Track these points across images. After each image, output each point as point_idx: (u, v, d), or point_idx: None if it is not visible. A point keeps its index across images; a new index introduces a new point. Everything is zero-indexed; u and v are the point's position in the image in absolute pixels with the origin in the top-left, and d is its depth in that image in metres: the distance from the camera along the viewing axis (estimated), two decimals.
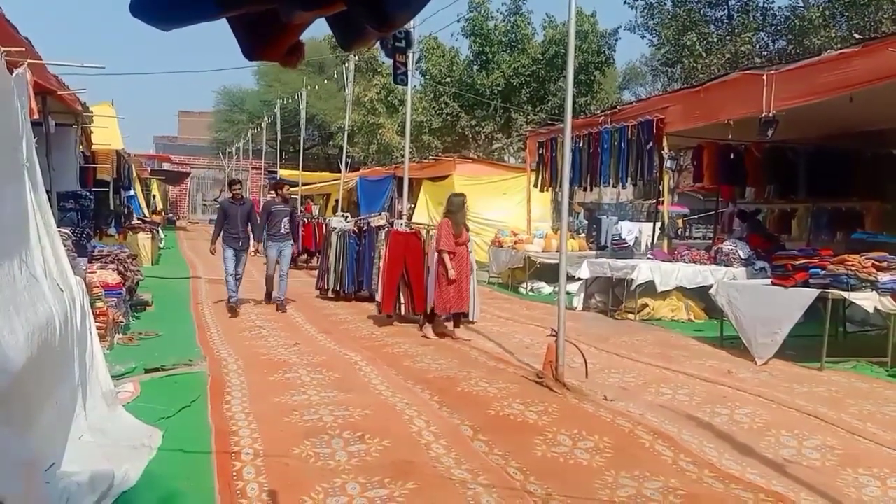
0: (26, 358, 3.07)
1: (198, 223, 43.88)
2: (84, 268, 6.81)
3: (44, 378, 3.41)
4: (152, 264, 16.24)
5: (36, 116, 5.73)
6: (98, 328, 5.44)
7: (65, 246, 4.84)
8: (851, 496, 3.77)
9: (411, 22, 9.58)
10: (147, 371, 6.10)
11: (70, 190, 9.94)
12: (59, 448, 3.59)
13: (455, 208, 8.29)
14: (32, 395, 3.22)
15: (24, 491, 2.81)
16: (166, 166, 38.13)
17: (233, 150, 40.76)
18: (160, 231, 20.13)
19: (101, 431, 4.15)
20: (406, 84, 10.17)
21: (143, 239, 16.29)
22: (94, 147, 12.93)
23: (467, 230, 8.51)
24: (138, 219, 18.83)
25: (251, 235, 10.00)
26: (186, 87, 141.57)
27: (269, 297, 10.61)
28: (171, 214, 39.01)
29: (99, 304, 6.71)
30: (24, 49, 5.68)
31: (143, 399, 5.25)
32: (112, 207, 15.02)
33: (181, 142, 56.20)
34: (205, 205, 52.31)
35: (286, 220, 10.03)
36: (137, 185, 23.69)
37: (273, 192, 10.63)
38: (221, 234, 9.79)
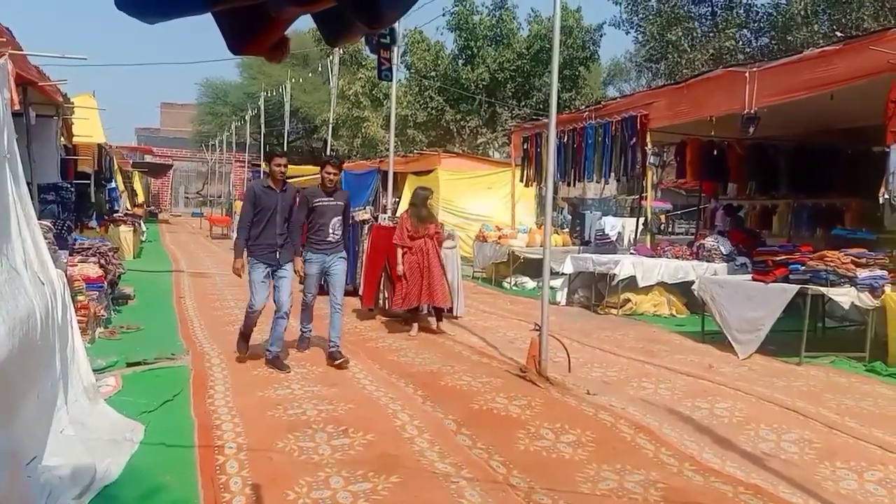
0: (7, 352, 3.05)
1: (180, 216, 43.58)
2: (65, 261, 6.75)
3: (25, 372, 3.39)
4: (134, 257, 16.12)
5: (17, 108, 5.66)
6: (79, 322, 5.41)
7: (45, 239, 4.79)
8: (829, 489, 3.83)
9: None
10: (129, 365, 6.06)
11: (51, 182, 9.82)
12: (40, 442, 3.57)
13: (418, 201, 8.18)
14: (14, 389, 3.19)
15: (6, 484, 2.79)
16: (148, 158, 37.73)
17: (216, 143, 40.45)
18: (142, 224, 19.96)
19: (82, 425, 4.13)
20: (391, 80, 10.06)
21: (125, 232, 16.16)
22: (75, 139, 12.78)
23: (435, 224, 8.28)
24: (120, 211, 18.64)
25: (291, 243, 6.28)
26: (169, 78, 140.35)
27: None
28: (153, 207, 38.64)
29: (80, 298, 6.66)
30: (4, 39, 5.62)
31: (125, 393, 5.23)
32: (94, 200, 14.85)
33: (163, 134, 55.68)
34: (187, 197, 51.91)
35: (337, 220, 6.49)
36: (119, 178, 23.44)
37: (328, 168, 6.63)
38: (247, 241, 6.15)
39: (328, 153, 18.46)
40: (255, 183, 6.39)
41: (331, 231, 6.51)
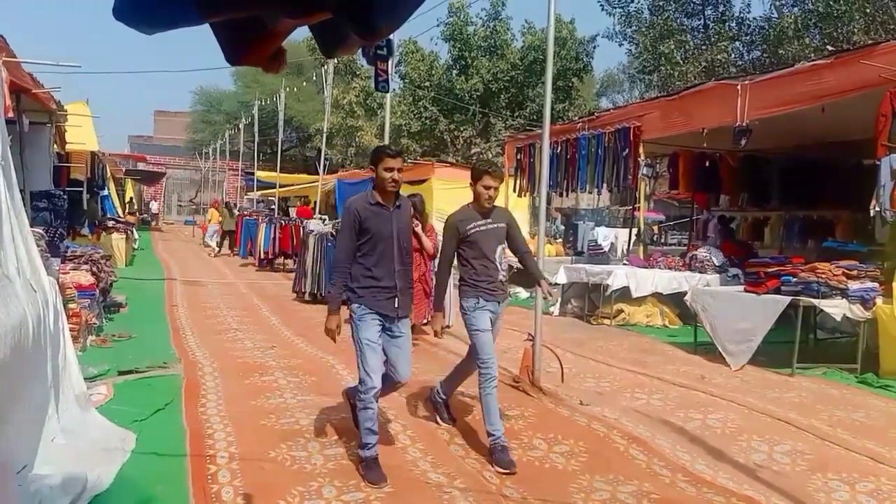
0: None
1: (173, 224, 43.46)
2: (57, 268, 6.73)
3: (16, 379, 3.37)
4: (126, 265, 16.07)
5: (10, 115, 5.66)
6: (71, 329, 5.39)
7: (38, 246, 4.78)
8: (821, 500, 3.84)
9: None
10: (121, 373, 6.04)
11: (43, 189, 9.79)
12: (31, 450, 3.55)
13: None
14: (4, 397, 3.18)
15: None
16: (141, 166, 37.68)
17: (209, 151, 40.42)
18: (134, 232, 19.90)
19: (73, 434, 4.11)
20: (388, 91, 10.05)
21: (117, 239, 16.11)
22: (68, 146, 12.76)
23: (423, 235, 7.65)
24: (112, 219, 18.58)
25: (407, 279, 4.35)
26: (163, 86, 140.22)
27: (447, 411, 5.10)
28: (145, 215, 38.54)
29: (72, 306, 6.64)
30: None
31: (117, 401, 5.20)
32: (87, 207, 14.80)
33: (157, 142, 55.59)
34: (180, 205, 51.78)
35: (502, 249, 4.67)
36: (112, 185, 23.38)
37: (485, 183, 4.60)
38: (349, 280, 4.24)
39: (322, 162, 18.50)
40: (356, 200, 4.23)
41: (499, 265, 4.57)
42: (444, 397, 5.00)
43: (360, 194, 4.30)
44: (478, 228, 4.55)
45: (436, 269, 4.76)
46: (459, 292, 4.61)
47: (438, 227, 13.81)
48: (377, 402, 4.13)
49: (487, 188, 4.53)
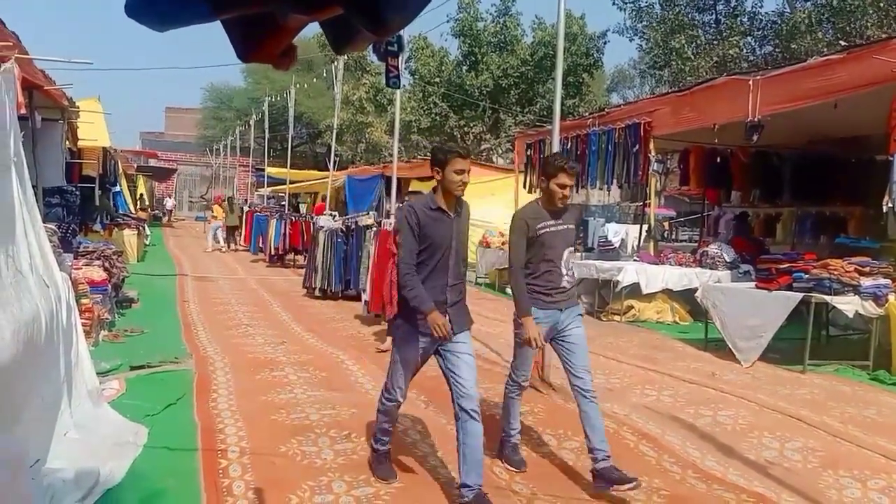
0: (11, 354, 3.06)
1: (184, 220, 43.64)
2: (69, 264, 6.77)
3: (29, 374, 3.40)
4: (138, 261, 16.16)
5: (23, 111, 5.69)
6: (83, 325, 5.43)
7: (50, 242, 4.81)
8: (832, 498, 3.82)
9: None
10: (133, 368, 6.07)
11: (56, 185, 9.85)
12: (44, 444, 3.58)
13: None
14: (17, 392, 3.21)
15: (9, 486, 2.80)
16: (152, 162, 37.83)
17: (220, 147, 40.57)
18: (146, 228, 20.01)
19: (86, 428, 4.14)
20: (398, 87, 10.02)
21: (129, 235, 16.20)
22: (80, 143, 12.82)
23: None
24: (124, 215, 18.70)
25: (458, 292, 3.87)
26: (174, 83, 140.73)
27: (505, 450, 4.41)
28: (156, 211, 38.74)
29: (84, 301, 6.68)
30: (11, 44, 5.65)
31: (129, 396, 5.24)
32: (99, 203, 14.89)
33: (168, 138, 55.85)
34: (191, 201, 52.02)
35: (569, 252, 4.20)
36: (123, 182, 23.50)
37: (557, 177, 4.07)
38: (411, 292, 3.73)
39: (332, 158, 18.51)
40: (415, 204, 3.82)
41: (564, 271, 4.10)
42: (511, 432, 4.27)
43: (420, 197, 3.83)
44: (548, 229, 4.05)
45: (509, 273, 4.20)
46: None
47: None
48: (398, 409, 4.03)
49: (562, 187, 4.00)
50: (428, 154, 21.18)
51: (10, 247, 3.55)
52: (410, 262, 3.68)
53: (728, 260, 9.75)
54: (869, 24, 18.36)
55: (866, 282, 6.84)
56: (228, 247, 22.22)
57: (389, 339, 7.41)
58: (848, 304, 6.83)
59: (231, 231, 22.56)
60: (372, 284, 8.80)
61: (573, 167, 4.10)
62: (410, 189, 9.21)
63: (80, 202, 11.55)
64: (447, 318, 3.67)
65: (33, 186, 4.69)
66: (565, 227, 4.13)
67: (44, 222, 4.89)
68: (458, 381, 3.67)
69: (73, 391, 4.26)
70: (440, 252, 3.69)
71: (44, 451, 3.55)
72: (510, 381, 4.27)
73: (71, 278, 5.36)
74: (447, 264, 3.72)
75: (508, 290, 12.81)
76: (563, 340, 4.12)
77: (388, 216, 11.63)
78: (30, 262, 3.85)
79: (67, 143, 11.33)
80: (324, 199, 18.42)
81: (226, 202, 23.94)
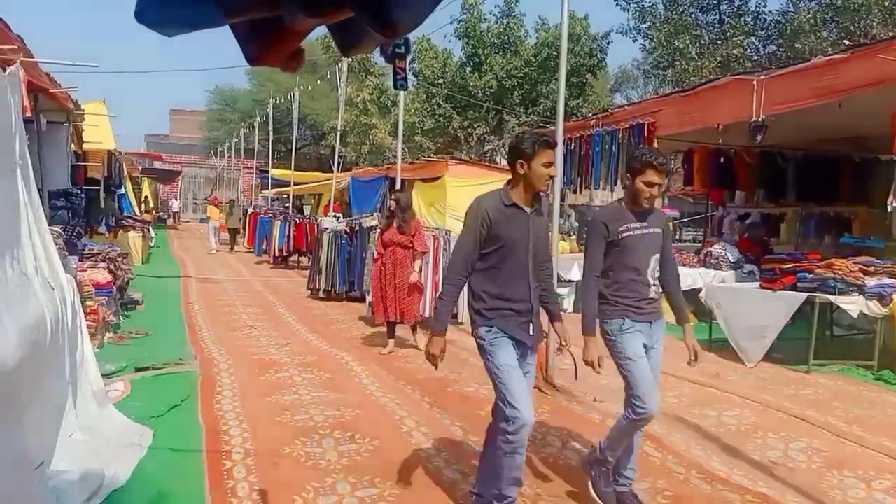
0: (17, 356, 3.08)
1: (188, 221, 43.73)
2: (75, 266, 6.80)
3: (34, 376, 3.41)
4: (143, 263, 16.20)
5: (28, 114, 5.72)
6: (88, 327, 5.45)
7: (56, 244, 4.83)
8: (837, 498, 3.81)
9: None
10: (137, 370, 6.10)
11: (61, 188, 9.90)
12: (49, 446, 3.60)
13: (397, 207, 7.53)
14: (23, 393, 3.22)
15: (15, 487, 2.81)
16: (157, 165, 37.95)
17: (224, 149, 40.63)
18: (151, 230, 20.06)
19: (91, 430, 4.16)
20: (406, 89, 10.03)
21: (134, 238, 16.24)
22: (85, 145, 12.87)
23: (411, 233, 7.43)
24: (129, 217, 18.74)
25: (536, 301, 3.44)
26: (178, 85, 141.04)
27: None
28: (161, 213, 38.83)
29: (89, 303, 6.71)
30: (16, 47, 5.68)
31: (134, 398, 5.26)
32: (104, 206, 14.94)
33: (172, 140, 55.96)
34: (196, 203, 52.11)
35: (656, 259, 3.68)
36: (128, 184, 23.57)
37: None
38: (473, 299, 3.41)
39: (336, 160, 18.54)
40: (487, 198, 3.37)
41: (651, 280, 3.62)
42: (610, 460, 3.63)
43: (492, 192, 3.40)
44: (631, 232, 3.53)
45: (582, 282, 3.69)
46: (599, 313, 3.60)
47: (452, 225, 13.78)
48: (525, 438, 3.21)
49: (650, 185, 3.48)
50: (431, 155, 21.02)
51: (15, 249, 3.57)
52: (462, 269, 3.29)
53: (732, 260, 9.74)
54: (874, 24, 18.32)
55: (871, 281, 6.83)
56: (231, 249, 22.29)
57: (392, 342, 7.36)
58: (852, 304, 6.82)
59: (232, 233, 22.67)
60: (375, 292, 8.00)
61: (663, 163, 3.53)
62: (398, 189, 9.17)
63: (86, 204, 11.60)
64: (531, 328, 3.35)
65: (39, 189, 4.71)
66: (651, 230, 3.60)
67: (49, 225, 4.91)
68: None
69: (79, 393, 4.28)
70: (516, 253, 3.27)
71: (49, 453, 3.57)
72: (632, 412, 3.50)
73: (76, 280, 5.38)
74: (525, 268, 3.29)
75: None
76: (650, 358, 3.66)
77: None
78: (35, 265, 3.87)
79: (72, 145, 11.39)
80: (336, 200, 18.47)
81: (226, 204, 24.06)
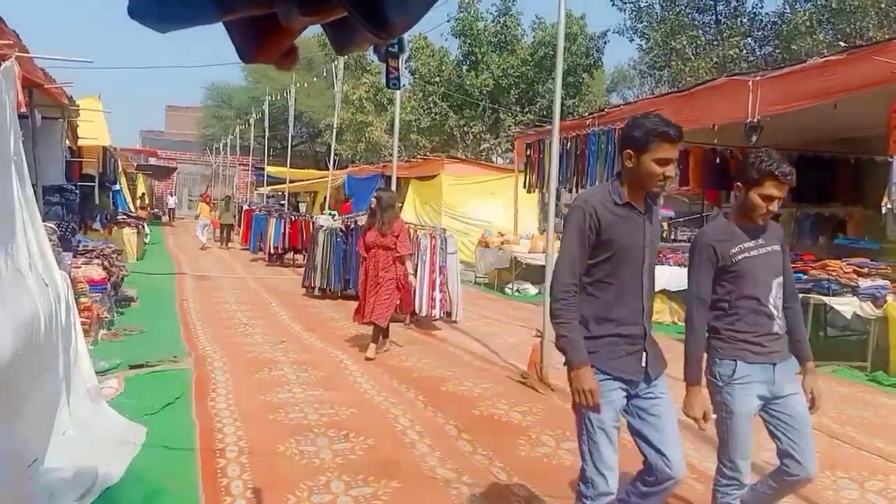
0: (11, 353, 3.06)
1: (183, 218, 43.65)
2: (69, 262, 6.78)
3: (28, 373, 3.40)
4: (137, 260, 16.15)
5: (23, 110, 5.70)
6: (82, 323, 5.43)
7: (50, 240, 4.81)
8: (829, 499, 3.83)
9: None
10: (131, 367, 6.08)
11: (55, 184, 9.86)
12: (43, 443, 3.59)
13: (377, 207, 7.22)
14: (16, 390, 3.21)
15: (9, 485, 2.80)
16: (152, 161, 37.82)
17: (220, 146, 40.57)
18: (145, 226, 20.01)
19: (84, 427, 4.14)
20: (398, 88, 9.99)
21: (129, 234, 16.19)
22: (80, 141, 12.82)
23: (393, 234, 7.08)
24: (123, 214, 18.69)
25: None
26: (174, 81, 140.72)
27: None
28: (156, 210, 38.74)
29: (83, 300, 6.68)
30: (11, 42, 5.65)
31: (127, 395, 5.24)
32: (98, 202, 14.90)
33: (168, 137, 55.83)
34: (191, 200, 52.02)
35: (778, 283, 2.97)
36: (123, 180, 23.52)
37: None
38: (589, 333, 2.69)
39: (331, 157, 18.51)
40: (593, 195, 2.81)
41: (774, 310, 2.93)
42: None
43: (596, 188, 2.92)
44: (747, 254, 2.90)
45: (687, 317, 3.00)
46: (707, 350, 3.01)
47: (448, 223, 13.74)
48: None
49: (768, 199, 2.81)
50: (428, 153, 21.01)
51: (9, 245, 3.55)
52: (570, 281, 2.63)
53: None
54: (869, 26, 18.37)
55: (865, 283, 6.85)
56: (225, 245, 22.33)
57: (373, 346, 7.00)
58: (846, 305, 6.84)
59: (226, 229, 22.78)
60: (361, 295, 7.43)
61: (787, 173, 2.83)
62: (380, 187, 9.11)
63: (80, 201, 11.57)
64: (644, 357, 2.73)
65: (33, 185, 4.69)
66: (768, 249, 2.96)
67: (43, 221, 4.89)
68: (653, 447, 2.76)
69: (72, 390, 4.26)
70: (629, 262, 2.67)
71: (42, 450, 3.55)
72: (720, 477, 3.02)
73: (70, 277, 5.36)
74: (640, 281, 2.70)
75: (507, 291, 12.91)
76: (779, 412, 2.92)
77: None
78: (29, 261, 3.85)
79: (67, 141, 11.33)
80: (346, 200, 18.43)
81: (222, 201, 24.18)
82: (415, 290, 8.54)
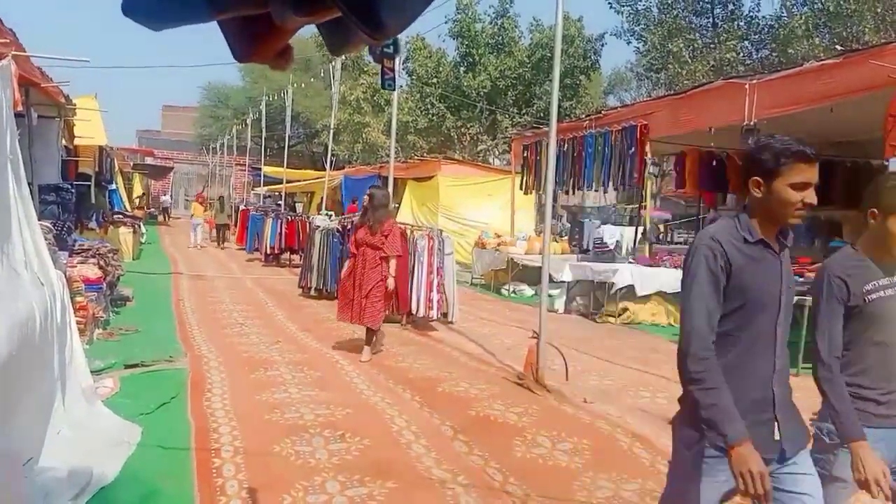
0: (6, 352, 3.06)
1: (179, 218, 43.60)
2: (65, 262, 6.76)
3: (23, 372, 3.39)
4: (133, 259, 16.12)
5: (19, 108, 5.69)
6: (78, 323, 5.42)
7: (46, 239, 4.80)
8: None
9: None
10: (127, 367, 6.07)
11: (52, 183, 9.83)
12: (37, 442, 3.58)
13: (370, 204, 7.09)
14: (11, 389, 3.20)
15: (4, 484, 2.80)
16: (149, 160, 37.75)
17: (217, 146, 40.51)
18: (141, 226, 19.98)
19: (80, 427, 4.14)
20: (394, 89, 9.96)
21: (125, 233, 16.16)
22: (76, 140, 12.79)
23: (382, 234, 6.93)
24: (119, 213, 18.66)
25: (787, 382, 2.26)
26: (171, 81, 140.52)
27: None
28: (152, 209, 38.67)
29: (79, 299, 6.67)
30: (8, 41, 5.64)
31: (123, 395, 5.24)
32: (95, 201, 14.86)
33: (164, 136, 55.73)
34: (187, 200, 51.96)
35: None
36: (120, 179, 23.48)
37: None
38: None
39: (328, 158, 18.50)
40: (719, 231, 2.26)
41: None
42: None
43: (720, 223, 2.33)
44: (882, 293, 2.44)
45: (815, 363, 2.51)
46: (822, 406, 2.52)
47: (445, 224, 13.74)
48: None
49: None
50: (425, 154, 20.99)
51: (5, 244, 3.55)
52: (709, 336, 2.16)
53: None
54: (866, 30, 18.44)
55: None
56: (220, 245, 22.44)
57: (366, 349, 6.93)
58: None
59: (221, 229, 22.92)
60: (344, 290, 7.31)
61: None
62: (375, 184, 9.03)
63: (76, 200, 11.54)
64: (777, 428, 2.18)
65: (29, 184, 4.68)
66: None
67: (39, 220, 4.88)
68: None
69: (67, 389, 4.25)
70: (763, 314, 2.20)
71: (37, 449, 3.54)
72: None
73: (66, 276, 5.35)
74: (773, 335, 2.22)
75: (504, 292, 12.92)
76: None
77: None
78: (25, 260, 3.85)
79: (64, 140, 11.31)
80: (353, 201, 18.39)
81: (217, 201, 24.30)
82: (412, 291, 8.55)
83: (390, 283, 6.93)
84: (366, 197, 7.25)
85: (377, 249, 6.88)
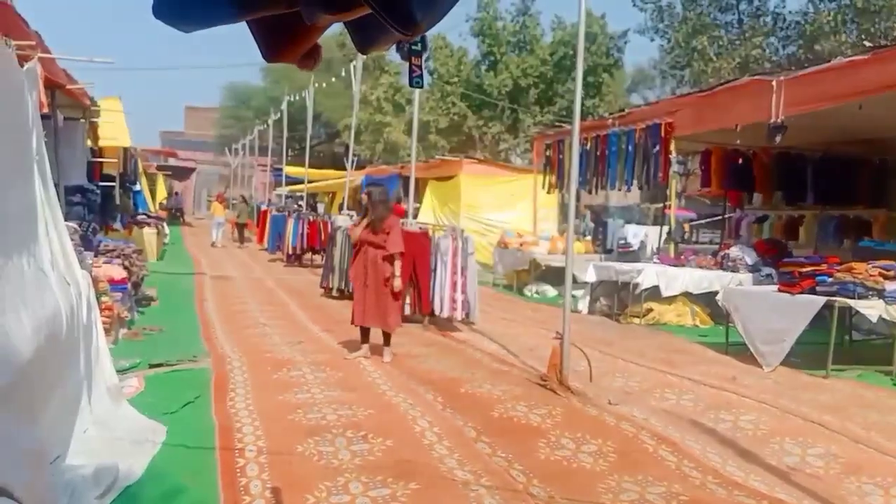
0: (33, 350, 3.08)
1: (202, 219, 43.97)
2: (90, 262, 6.83)
3: (50, 371, 3.42)
4: (157, 259, 16.27)
5: (45, 110, 5.74)
6: (103, 323, 5.46)
7: (71, 240, 4.85)
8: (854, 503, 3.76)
9: None
10: (151, 366, 6.11)
11: (77, 184, 9.94)
12: (64, 441, 3.61)
13: (368, 201, 6.91)
14: (38, 388, 3.22)
15: (30, 481, 2.81)
16: (172, 161, 38.12)
17: (238, 147, 40.80)
18: (165, 227, 20.18)
19: (105, 425, 4.17)
20: (422, 87, 9.95)
21: (149, 234, 16.32)
22: (101, 142, 12.93)
23: (385, 231, 6.77)
24: (143, 213, 18.86)
25: None
26: (193, 82, 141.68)
27: None
28: (175, 210, 39.02)
29: (104, 299, 6.72)
30: (34, 43, 5.69)
31: (148, 394, 5.27)
32: (119, 202, 15.03)
33: (187, 137, 56.22)
34: (209, 200, 52.37)
35: None
36: (143, 180, 23.76)
37: None
38: None
39: (349, 158, 18.52)
40: None
41: None
42: None
43: None
44: None
45: None
46: None
47: (466, 224, 13.72)
48: None
49: None
50: (446, 154, 21.00)
51: (32, 245, 3.58)
52: None
53: (749, 263, 9.64)
54: (894, 26, 18.12)
55: (891, 286, 6.73)
56: (241, 244, 22.80)
57: (366, 346, 6.86)
58: (872, 309, 6.73)
59: (240, 228, 23.41)
60: (357, 293, 7.05)
61: None
62: (372, 183, 8.83)
63: (101, 201, 11.66)
64: None
65: (55, 185, 4.73)
66: None
67: (65, 221, 4.92)
68: None
69: (93, 388, 4.29)
70: None
71: (64, 448, 3.57)
72: None
73: (91, 276, 5.40)
74: None
75: (526, 292, 12.86)
76: None
77: (405, 216, 11.61)
78: (51, 260, 3.88)
79: (88, 141, 11.43)
80: (398, 201, 18.43)
81: (241, 201, 24.83)
82: (434, 291, 8.52)
83: (397, 283, 6.78)
84: (364, 196, 7.10)
85: (380, 248, 6.74)
